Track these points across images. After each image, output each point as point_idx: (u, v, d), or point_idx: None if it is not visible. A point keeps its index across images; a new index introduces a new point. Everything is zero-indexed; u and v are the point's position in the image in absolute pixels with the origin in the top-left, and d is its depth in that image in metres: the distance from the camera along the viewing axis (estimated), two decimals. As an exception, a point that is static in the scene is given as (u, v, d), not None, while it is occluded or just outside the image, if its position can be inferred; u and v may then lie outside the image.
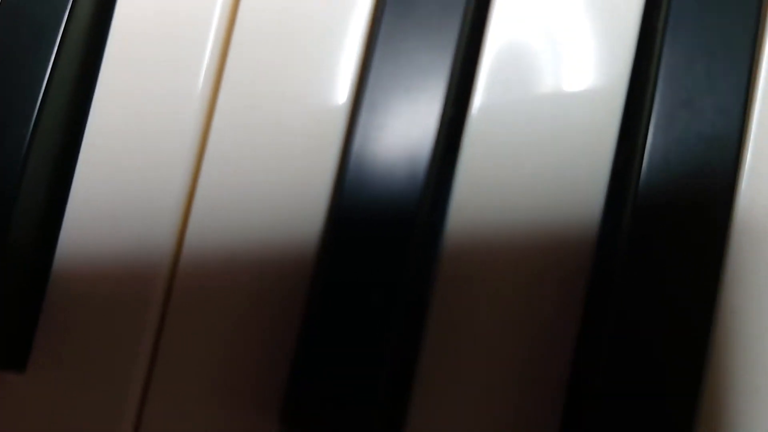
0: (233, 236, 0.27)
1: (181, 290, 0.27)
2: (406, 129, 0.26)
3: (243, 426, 0.26)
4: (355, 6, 0.28)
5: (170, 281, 0.27)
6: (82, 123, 0.28)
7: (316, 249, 0.27)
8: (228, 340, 0.27)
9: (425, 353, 0.26)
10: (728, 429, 0.24)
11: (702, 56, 0.24)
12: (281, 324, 0.27)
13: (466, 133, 0.26)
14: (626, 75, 0.25)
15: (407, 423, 0.25)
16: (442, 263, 0.26)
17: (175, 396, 0.27)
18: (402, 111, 0.26)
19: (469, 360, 0.25)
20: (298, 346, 0.26)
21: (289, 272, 0.27)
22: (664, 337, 0.23)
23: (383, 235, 0.25)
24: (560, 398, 0.25)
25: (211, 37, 0.28)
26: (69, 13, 0.27)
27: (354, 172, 0.25)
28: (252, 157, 0.27)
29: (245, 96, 0.28)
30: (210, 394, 0.27)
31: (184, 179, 0.28)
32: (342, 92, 0.27)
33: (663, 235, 0.24)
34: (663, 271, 0.24)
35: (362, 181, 0.25)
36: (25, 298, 0.28)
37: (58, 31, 0.27)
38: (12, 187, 0.26)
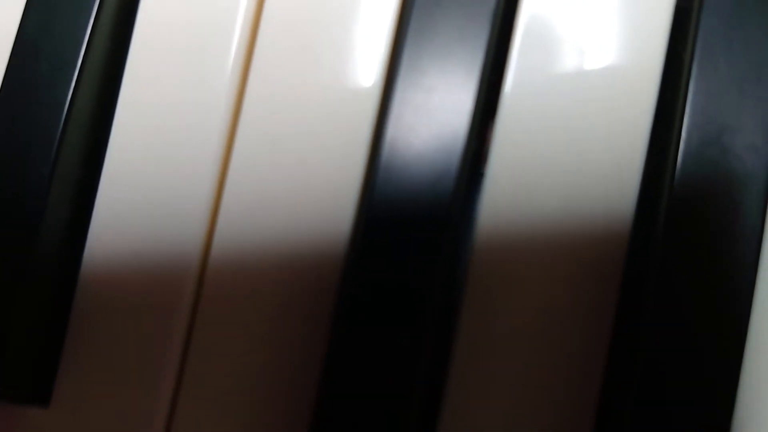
0: (261, 238, 0.27)
1: (210, 297, 0.27)
2: (437, 125, 0.25)
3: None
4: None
5: (198, 288, 0.27)
6: (108, 127, 0.28)
7: (345, 249, 0.26)
8: (257, 349, 0.27)
9: (455, 362, 0.26)
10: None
11: (730, 90, 0.24)
12: (311, 328, 0.26)
13: (494, 133, 0.26)
14: (651, 110, 0.25)
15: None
16: (473, 262, 0.26)
17: (204, 410, 0.27)
18: (434, 106, 0.25)
19: (500, 370, 0.25)
20: (327, 355, 0.26)
21: (319, 274, 0.27)
22: (698, 343, 0.23)
23: (415, 237, 0.25)
24: (593, 408, 0.25)
25: (234, 45, 0.28)
26: (87, 44, 0.27)
27: (385, 170, 0.25)
28: (279, 158, 0.27)
29: (270, 97, 0.28)
30: (240, 405, 0.27)
31: (211, 182, 0.27)
32: (372, 84, 0.27)
33: (696, 245, 0.23)
34: (696, 274, 0.23)
35: (393, 178, 0.25)
36: (47, 330, 0.28)
37: (77, 64, 0.27)
38: (34, 221, 0.26)
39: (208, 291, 0.27)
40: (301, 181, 0.27)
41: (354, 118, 0.27)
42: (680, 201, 0.23)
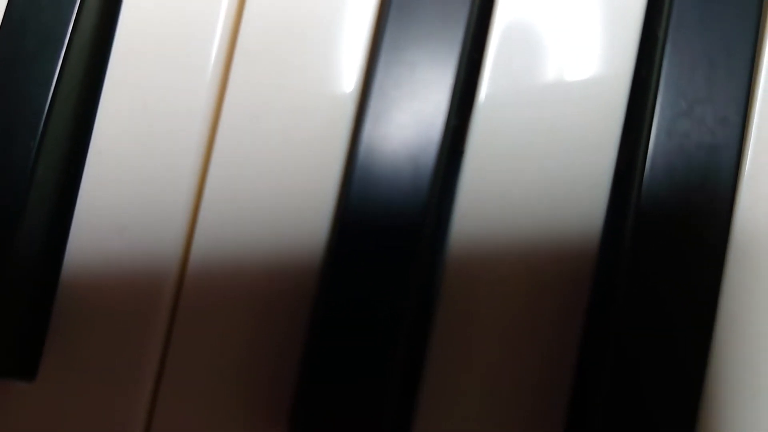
0: (240, 243, 0.27)
1: (189, 297, 0.28)
2: (411, 131, 0.26)
3: (252, 433, 0.27)
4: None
5: (178, 289, 0.28)
6: (89, 131, 0.28)
7: (322, 255, 0.27)
8: (236, 347, 0.27)
9: (430, 361, 0.26)
10: None
11: (702, 65, 0.25)
12: (289, 331, 0.27)
13: (468, 143, 0.27)
14: (627, 82, 0.26)
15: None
16: (446, 269, 0.26)
17: (184, 405, 0.27)
18: (407, 115, 0.26)
19: (473, 368, 0.26)
20: (305, 355, 0.26)
21: (296, 279, 0.27)
22: (664, 345, 0.24)
23: (389, 241, 0.25)
24: (564, 406, 0.26)
25: (216, 39, 0.28)
26: (74, 21, 0.28)
27: (360, 178, 0.26)
28: (257, 163, 0.28)
29: (250, 104, 0.28)
30: (219, 402, 0.27)
31: (191, 186, 0.28)
32: (348, 92, 0.28)
33: (664, 242, 0.24)
34: (664, 278, 0.24)
35: (368, 185, 0.26)
36: (33, 307, 0.28)
37: (64, 40, 0.27)
38: (20, 196, 0.26)
39: (188, 292, 0.28)
40: (278, 183, 0.27)
41: (332, 123, 0.28)
42: (655, 174, 0.24)
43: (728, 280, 0.24)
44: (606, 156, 0.26)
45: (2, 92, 0.27)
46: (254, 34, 0.28)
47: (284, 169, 0.27)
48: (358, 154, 0.26)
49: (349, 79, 0.28)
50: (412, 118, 0.26)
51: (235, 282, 0.27)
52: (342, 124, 0.27)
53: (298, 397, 0.26)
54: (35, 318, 0.28)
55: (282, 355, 0.27)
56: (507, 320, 0.26)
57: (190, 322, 0.28)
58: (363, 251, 0.26)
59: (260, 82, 0.28)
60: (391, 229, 0.25)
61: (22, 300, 0.28)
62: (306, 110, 0.28)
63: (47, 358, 0.28)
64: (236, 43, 0.29)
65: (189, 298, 0.28)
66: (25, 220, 0.27)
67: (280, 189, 0.27)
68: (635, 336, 0.24)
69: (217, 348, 0.27)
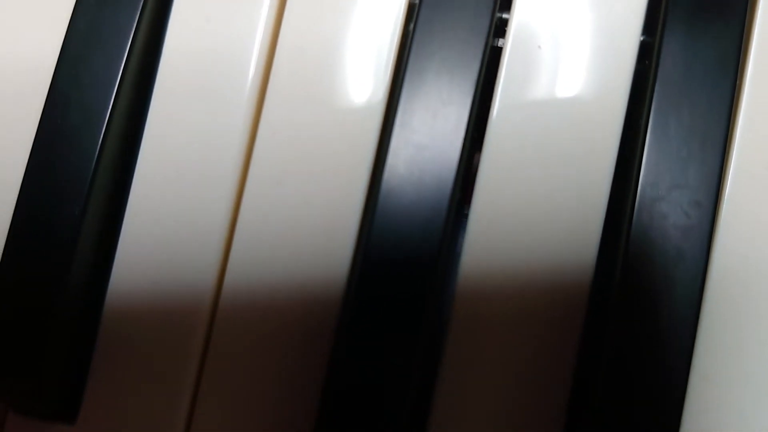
0: (270, 274, 0.31)
1: (222, 329, 0.31)
2: (429, 174, 0.29)
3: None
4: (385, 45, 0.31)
5: (209, 328, 0.31)
6: (131, 170, 0.31)
7: (345, 285, 0.30)
8: (265, 369, 0.30)
9: (441, 381, 0.30)
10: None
11: (680, 154, 0.28)
12: (316, 354, 0.30)
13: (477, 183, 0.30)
14: (611, 166, 0.29)
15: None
16: (456, 295, 0.30)
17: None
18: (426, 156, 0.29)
19: (478, 394, 0.29)
20: (327, 376, 0.30)
21: (322, 305, 0.30)
22: (649, 380, 0.27)
23: (408, 272, 0.28)
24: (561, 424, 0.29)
25: (246, 91, 0.31)
26: (114, 97, 0.30)
27: (381, 212, 0.29)
28: (286, 200, 0.31)
29: (279, 138, 0.31)
30: (250, 424, 0.30)
31: (224, 221, 0.31)
32: (371, 127, 0.31)
33: (645, 305, 0.28)
34: (644, 334, 0.28)
35: (389, 219, 0.29)
36: (75, 353, 0.31)
37: (105, 115, 0.30)
38: (63, 264, 0.29)
39: (221, 321, 0.31)
40: (306, 218, 0.31)
41: (354, 160, 0.31)
42: (636, 249, 0.27)
43: (700, 339, 0.28)
44: (595, 223, 0.29)
45: (48, 164, 0.30)
46: (283, 83, 0.31)
47: (311, 202, 0.31)
48: (380, 192, 0.29)
49: (372, 115, 0.31)
50: (428, 164, 0.29)
51: (265, 313, 0.30)
52: (364, 163, 0.31)
53: (319, 420, 0.29)
54: (77, 363, 0.31)
55: (309, 376, 0.30)
56: (507, 354, 0.29)
57: (221, 358, 0.31)
58: (383, 280, 0.29)
59: (291, 122, 0.31)
60: (408, 260, 0.28)
61: (64, 346, 0.30)
62: (330, 152, 0.31)
63: (87, 401, 0.31)
64: (263, 106, 0.32)
65: (222, 327, 0.31)
66: (69, 280, 0.30)
67: (307, 221, 0.30)
68: (621, 375, 0.28)
69: (244, 383, 0.30)
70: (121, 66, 0.31)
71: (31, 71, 0.32)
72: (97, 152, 0.30)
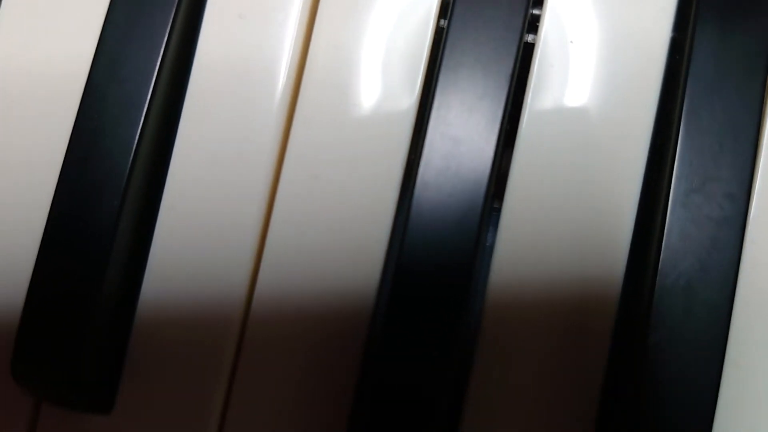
0: (299, 285, 0.31)
1: (253, 336, 0.31)
2: (459, 191, 0.29)
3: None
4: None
5: (242, 329, 0.31)
6: (162, 186, 0.32)
7: (374, 298, 0.30)
8: (294, 381, 0.31)
9: (473, 384, 0.30)
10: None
11: (713, 147, 0.28)
12: (345, 370, 0.30)
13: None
14: (644, 159, 0.30)
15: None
16: (485, 307, 0.30)
17: None
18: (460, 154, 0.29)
19: (510, 395, 0.30)
20: (361, 377, 0.30)
21: (351, 317, 0.30)
22: (676, 392, 0.28)
23: (445, 267, 0.29)
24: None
25: (277, 100, 0.32)
26: (152, 92, 0.31)
27: (415, 217, 0.29)
28: (316, 213, 0.31)
29: (310, 156, 0.31)
30: (281, 426, 0.30)
31: (254, 231, 0.31)
32: (405, 126, 0.31)
33: (679, 299, 0.28)
34: (678, 329, 0.28)
35: (423, 222, 0.29)
36: (111, 346, 0.31)
37: (143, 108, 0.30)
38: (105, 250, 0.30)
39: (253, 321, 0.31)
40: (339, 220, 0.31)
41: (386, 164, 0.31)
42: (672, 239, 0.28)
43: (733, 332, 0.28)
44: (625, 221, 0.30)
45: (87, 158, 0.30)
46: (313, 94, 0.32)
47: (344, 204, 0.31)
48: (416, 184, 0.29)
49: (402, 124, 0.31)
50: (464, 157, 0.29)
51: (295, 320, 0.31)
52: (394, 175, 0.31)
53: (352, 422, 0.30)
54: (113, 356, 0.31)
55: (339, 391, 0.30)
56: (540, 346, 0.30)
57: (253, 360, 0.31)
58: (419, 275, 0.29)
59: (323, 123, 0.32)
60: (445, 255, 0.29)
61: (101, 340, 0.31)
62: (360, 162, 0.31)
63: (123, 394, 0.31)
64: (296, 102, 0.32)
65: (253, 335, 0.31)
66: (107, 272, 0.30)
67: (336, 235, 0.31)
68: (648, 379, 0.28)
69: (276, 385, 0.31)
70: (158, 60, 0.31)
71: (68, 67, 0.32)
72: (134, 146, 0.30)
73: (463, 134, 0.29)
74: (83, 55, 0.32)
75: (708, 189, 0.28)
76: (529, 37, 0.32)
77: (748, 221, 0.29)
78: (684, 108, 0.29)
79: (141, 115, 0.30)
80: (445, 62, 0.30)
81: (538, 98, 0.31)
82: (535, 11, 0.32)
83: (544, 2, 0.32)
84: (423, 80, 0.32)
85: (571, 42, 0.31)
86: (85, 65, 0.31)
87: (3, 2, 0.34)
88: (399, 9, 0.32)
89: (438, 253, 0.29)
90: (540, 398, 0.30)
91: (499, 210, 0.31)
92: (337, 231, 0.31)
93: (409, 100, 0.31)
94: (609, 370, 0.29)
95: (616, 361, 0.29)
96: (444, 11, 0.32)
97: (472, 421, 0.30)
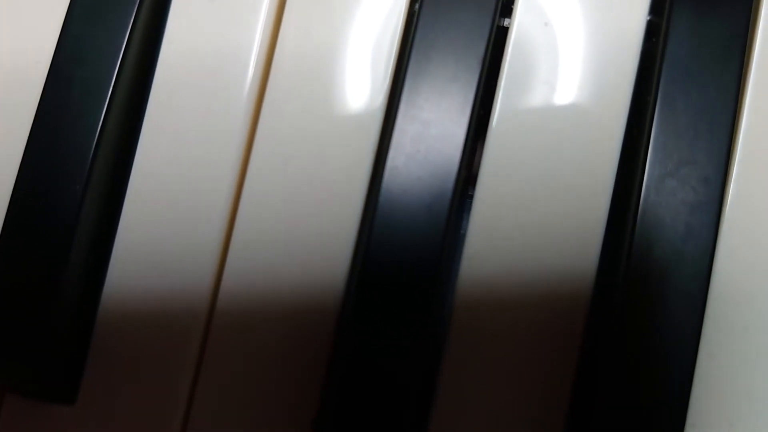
0: (266, 276, 0.30)
1: (219, 326, 0.30)
2: (428, 177, 0.29)
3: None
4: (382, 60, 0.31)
5: (209, 319, 0.30)
6: (127, 173, 0.31)
7: (342, 290, 0.30)
8: (261, 372, 0.30)
9: (441, 390, 0.29)
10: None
11: (688, 131, 0.28)
12: (312, 360, 0.30)
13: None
14: (618, 144, 0.29)
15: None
16: (455, 310, 0.29)
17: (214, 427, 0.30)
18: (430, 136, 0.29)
19: (480, 390, 0.29)
20: (330, 371, 0.29)
21: (319, 309, 0.30)
22: (650, 381, 0.27)
23: (408, 277, 0.28)
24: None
25: (246, 86, 0.31)
26: (116, 74, 0.30)
27: (385, 197, 0.28)
28: (284, 203, 0.30)
29: (279, 132, 0.31)
30: (246, 422, 0.30)
31: (221, 222, 0.31)
32: (374, 119, 0.30)
33: (652, 285, 0.27)
34: (650, 315, 0.27)
35: (393, 206, 0.28)
36: (75, 336, 0.30)
37: (107, 92, 0.30)
38: (66, 237, 0.29)
39: (218, 320, 0.30)
40: (303, 224, 0.30)
41: (355, 152, 0.30)
42: (646, 225, 0.27)
43: (707, 321, 0.28)
44: (599, 207, 0.29)
45: (50, 141, 0.29)
46: (282, 82, 0.31)
47: (309, 206, 0.30)
48: (385, 168, 0.28)
49: (373, 109, 0.30)
50: (435, 140, 0.29)
51: (262, 311, 0.30)
52: (363, 164, 0.30)
53: (318, 420, 0.29)
54: (76, 347, 0.30)
55: (305, 383, 0.30)
56: (512, 336, 0.29)
57: (219, 352, 0.30)
58: (382, 284, 0.28)
59: (289, 124, 0.31)
60: (415, 240, 0.28)
61: (65, 330, 0.30)
62: (329, 152, 0.30)
63: (86, 384, 0.30)
64: (265, 91, 0.31)
65: (219, 327, 0.30)
66: (70, 259, 0.29)
67: (303, 228, 0.30)
68: (620, 380, 0.27)
69: (242, 378, 0.30)
70: (123, 43, 0.30)
71: (32, 51, 0.32)
72: (98, 130, 0.30)
73: (434, 117, 0.29)
74: (48, 39, 0.31)
75: (683, 173, 0.27)
76: (505, 22, 0.32)
77: (724, 205, 0.28)
78: (659, 91, 0.28)
79: (105, 99, 0.30)
80: (416, 45, 0.30)
81: (512, 82, 0.30)
82: (510, -6, 0.31)
83: (519, -16, 0.31)
84: (395, 65, 0.31)
85: (546, 24, 0.30)
86: (49, 50, 0.31)
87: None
88: (371, -9, 0.32)
89: (407, 237, 0.28)
90: (512, 389, 0.29)
91: (472, 197, 0.30)
92: (305, 221, 0.30)
93: (380, 85, 0.31)
94: (582, 360, 0.29)
95: (589, 351, 0.29)
96: (417, -6, 0.32)
97: (441, 415, 0.29)
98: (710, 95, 0.28)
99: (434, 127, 0.29)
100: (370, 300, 0.28)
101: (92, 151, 0.29)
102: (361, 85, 0.31)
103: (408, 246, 0.28)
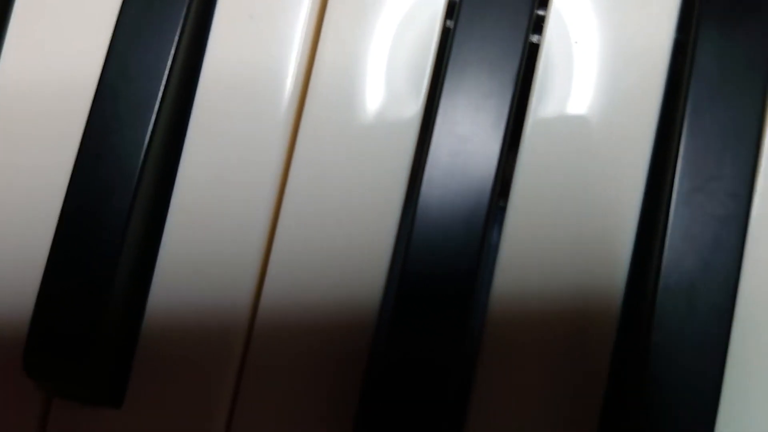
0: (306, 288, 0.31)
1: (258, 342, 0.31)
2: (464, 192, 0.30)
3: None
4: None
5: (249, 329, 0.31)
6: (171, 185, 0.32)
7: (379, 302, 0.31)
8: (301, 381, 0.31)
9: (476, 387, 0.30)
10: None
11: (715, 147, 0.29)
12: (350, 371, 0.31)
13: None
14: (647, 160, 0.30)
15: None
16: (487, 320, 0.30)
17: None
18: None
19: (511, 412, 0.30)
20: (365, 382, 0.30)
21: (357, 321, 0.31)
22: (678, 393, 0.28)
23: (445, 293, 0.29)
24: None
25: (285, 101, 0.32)
26: (163, 92, 0.31)
27: (425, 204, 0.29)
28: (322, 216, 0.31)
29: (316, 165, 0.32)
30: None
31: (262, 234, 0.32)
32: (410, 137, 0.31)
33: (682, 298, 0.28)
34: (681, 329, 0.28)
35: (432, 211, 0.29)
36: (123, 341, 0.31)
37: (154, 107, 0.31)
38: (116, 248, 0.30)
39: (259, 327, 0.31)
40: (342, 239, 0.31)
41: (392, 165, 0.31)
42: (675, 238, 0.28)
43: (735, 333, 0.29)
44: (629, 218, 0.30)
45: (98, 156, 0.31)
46: (320, 97, 0.32)
47: (348, 220, 0.31)
48: (423, 181, 0.29)
49: (409, 127, 0.32)
50: (471, 155, 0.30)
51: (301, 322, 0.31)
52: (400, 178, 0.31)
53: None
54: (123, 351, 0.31)
55: (343, 399, 0.31)
56: (545, 346, 0.30)
57: (261, 359, 0.31)
58: (420, 296, 0.29)
59: (327, 137, 0.32)
60: (451, 253, 0.29)
61: (112, 337, 0.31)
62: (367, 164, 0.32)
63: (132, 388, 0.31)
64: (304, 106, 0.32)
65: (259, 336, 0.31)
66: (119, 267, 0.30)
67: (342, 242, 0.31)
68: (650, 380, 0.28)
69: (283, 385, 0.31)
70: (169, 59, 0.31)
71: (80, 68, 0.33)
72: (146, 145, 0.31)
73: (470, 132, 0.30)
74: (95, 56, 0.32)
75: (711, 188, 0.29)
76: (535, 38, 0.33)
77: (750, 219, 0.29)
78: (687, 107, 0.29)
79: (152, 115, 0.31)
80: (452, 62, 0.31)
81: (543, 98, 0.31)
82: (540, 12, 0.32)
83: (549, 3, 0.32)
84: (430, 80, 0.32)
85: (576, 42, 0.31)
86: (97, 66, 0.32)
87: (15, 3, 0.35)
88: (406, 9, 0.33)
89: (445, 250, 0.29)
90: (543, 398, 0.30)
91: (504, 208, 0.31)
92: (344, 235, 0.31)
93: (416, 99, 0.32)
94: (612, 371, 0.30)
95: (619, 362, 0.30)
96: (450, 12, 0.33)
97: (475, 423, 0.30)
98: (737, 111, 0.29)
99: (470, 142, 0.30)
100: (408, 311, 0.29)
101: (140, 167, 0.30)
102: (397, 100, 0.32)
103: (446, 258, 0.29)
